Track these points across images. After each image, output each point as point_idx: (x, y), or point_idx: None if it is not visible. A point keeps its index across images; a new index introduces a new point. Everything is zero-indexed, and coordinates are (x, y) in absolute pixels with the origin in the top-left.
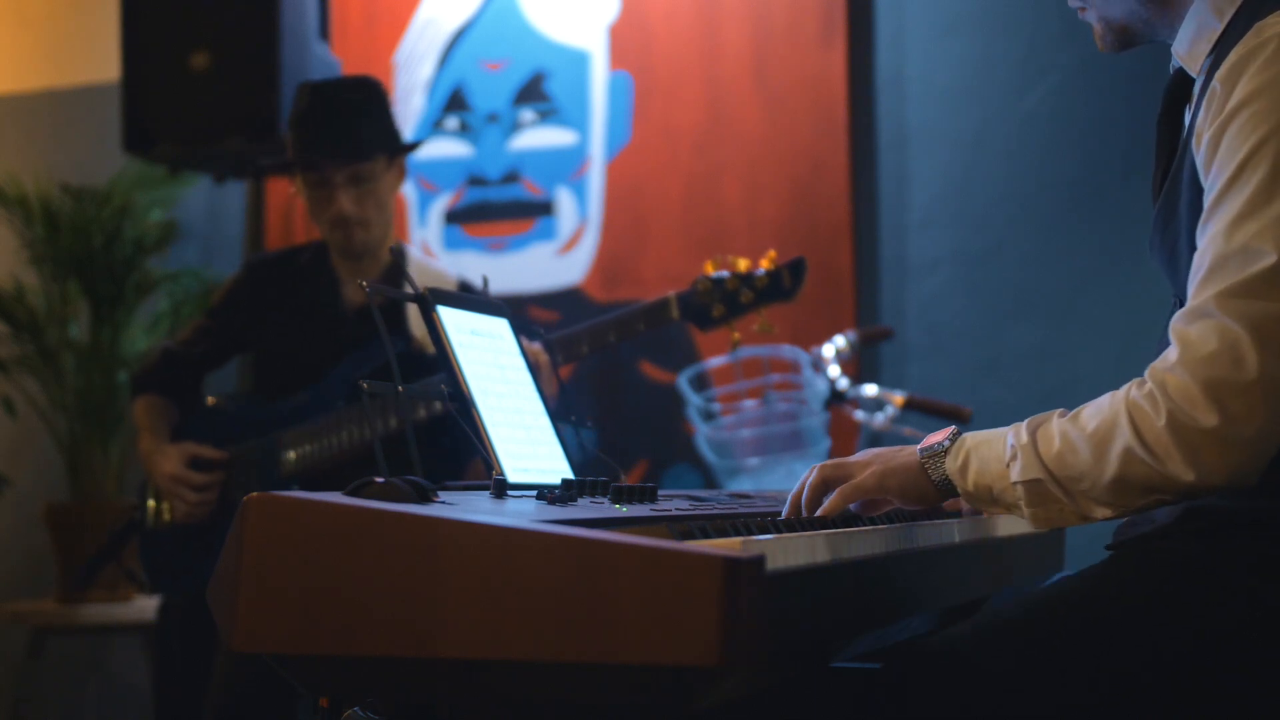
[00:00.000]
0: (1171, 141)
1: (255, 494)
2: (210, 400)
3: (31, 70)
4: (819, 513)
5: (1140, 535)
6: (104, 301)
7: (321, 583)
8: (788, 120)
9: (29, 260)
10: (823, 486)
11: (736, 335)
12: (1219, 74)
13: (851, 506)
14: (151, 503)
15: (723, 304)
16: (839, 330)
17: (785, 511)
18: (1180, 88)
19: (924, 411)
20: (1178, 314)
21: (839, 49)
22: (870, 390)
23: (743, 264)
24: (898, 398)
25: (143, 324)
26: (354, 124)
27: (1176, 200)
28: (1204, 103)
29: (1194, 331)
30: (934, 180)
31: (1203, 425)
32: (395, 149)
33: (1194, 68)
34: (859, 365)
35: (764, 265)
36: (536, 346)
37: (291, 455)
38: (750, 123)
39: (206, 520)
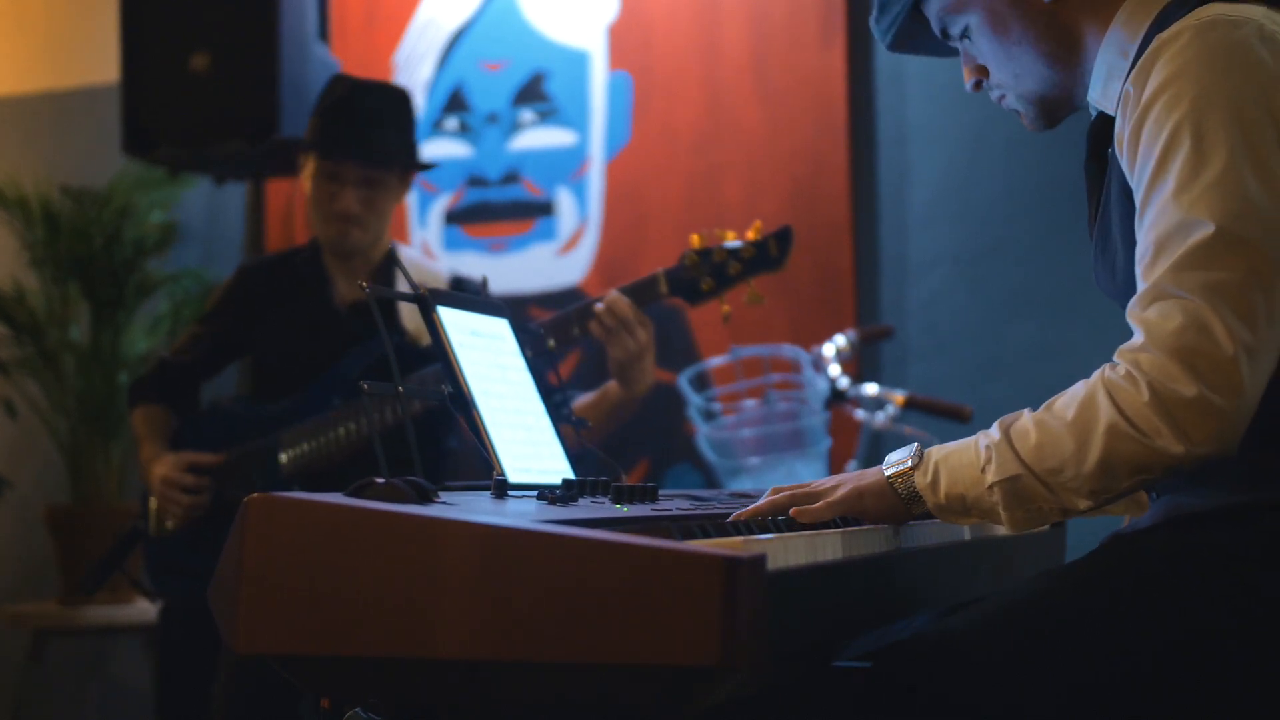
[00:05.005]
0: (1099, 180)
1: (255, 495)
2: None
3: (31, 72)
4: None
5: (1121, 535)
6: (104, 303)
7: (322, 583)
8: (787, 120)
9: (29, 262)
10: (790, 504)
11: (726, 308)
12: (1130, 78)
13: None
14: (154, 509)
15: (711, 277)
16: (839, 329)
17: (737, 515)
18: (1102, 130)
19: (925, 410)
20: (1132, 301)
21: (838, 48)
22: (871, 389)
23: (729, 236)
24: (898, 397)
25: (143, 326)
26: (381, 130)
27: (1109, 223)
28: (1119, 109)
29: (1153, 313)
30: (934, 179)
31: (1186, 396)
32: (411, 165)
33: (1110, 107)
34: (859, 364)
35: (750, 236)
36: (618, 297)
37: (290, 454)
38: (750, 122)
39: (211, 522)
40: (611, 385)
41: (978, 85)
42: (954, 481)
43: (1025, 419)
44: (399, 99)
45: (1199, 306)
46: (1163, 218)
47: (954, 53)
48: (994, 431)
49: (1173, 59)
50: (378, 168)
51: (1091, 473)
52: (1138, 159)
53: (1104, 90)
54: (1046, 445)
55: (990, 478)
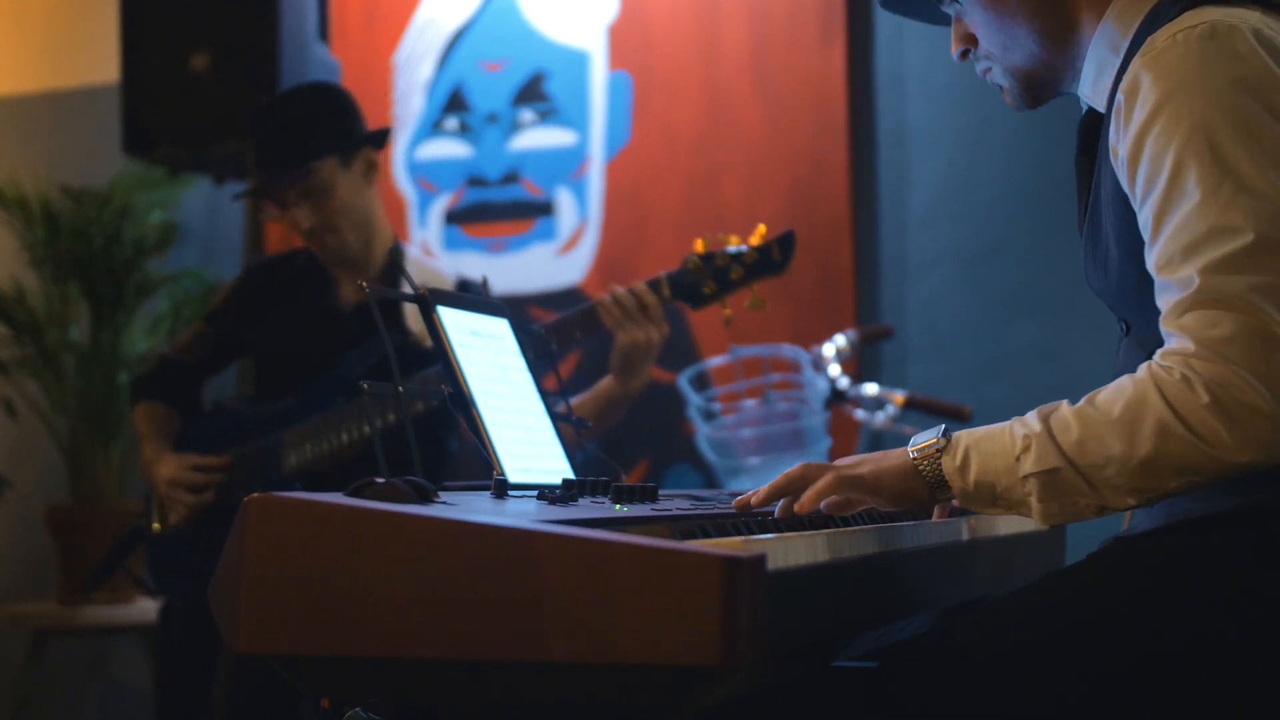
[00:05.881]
0: (1090, 176)
1: (256, 494)
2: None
3: (31, 72)
4: (803, 501)
5: (1121, 537)
6: (104, 303)
7: (322, 583)
8: (787, 120)
9: (29, 262)
10: (801, 481)
11: (728, 311)
12: (1122, 87)
13: (821, 505)
14: (156, 510)
15: (714, 281)
16: (839, 329)
17: (755, 499)
18: (1093, 126)
19: (925, 410)
20: (1164, 309)
21: (838, 48)
22: (871, 389)
23: (733, 240)
24: (898, 397)
25: (143, 325)
26: (289, 139)
27: (1100, 221)
28: (1111, 117)
29: (1193, 320)
30: (934, 179)
31: (1253, 405)
32: (340, 149)
33: (1100, 104)
34: (859, 364)
35: (753, 241)
36: (647, 289)
37: (292, 454)
38: (750, 122)
39: (213, 521)
40: (605, 383)
41: (964, 55)
42: (985, 469)
43: (1066, 411)
44: (306, 99)
45: (1251, 313)
46: (1188, 227)
47: (942, 19)
48: (1033, 421)
49: (1170, 70)
50: (306, 176)
51: (1137, 470)
52: (1140, 177)
53: (1094, 86)
54: (1090, 440)
55: (1027, 468)
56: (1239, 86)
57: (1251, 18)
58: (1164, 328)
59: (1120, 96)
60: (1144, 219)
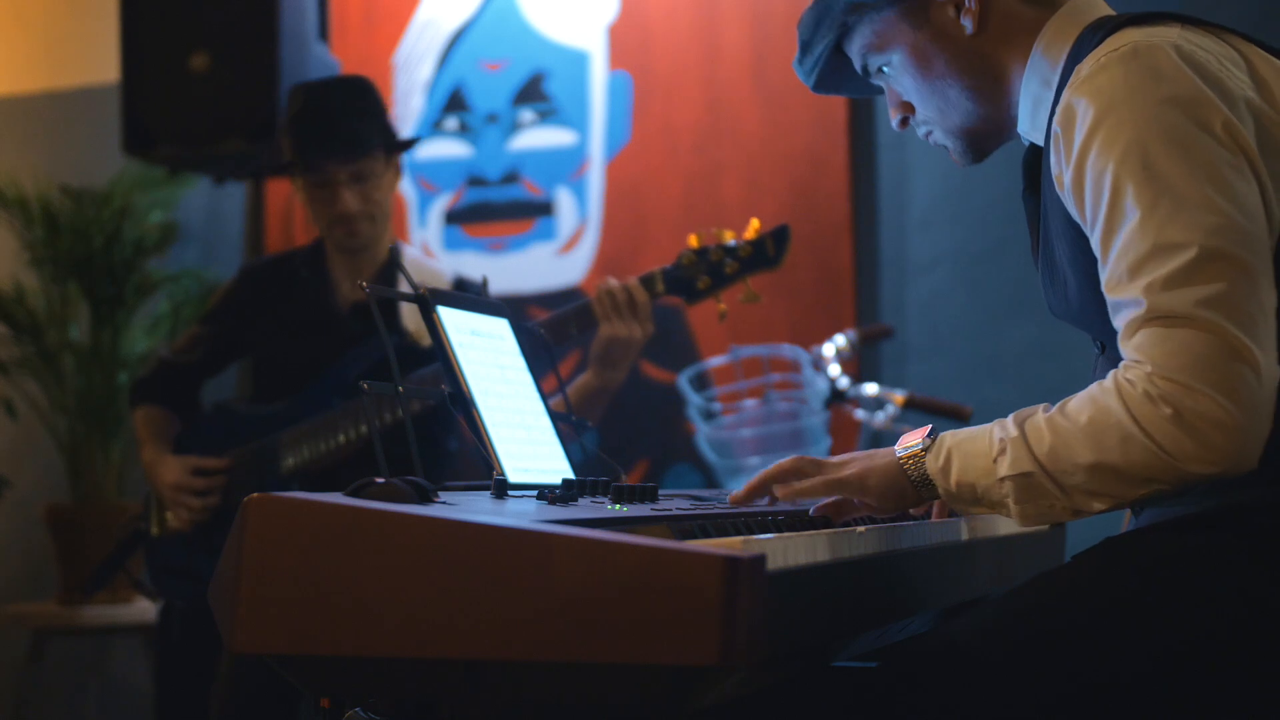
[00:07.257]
0: (1038, 211)
1: (255, 495)
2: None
3: (30, 72)
4: (786, 494)
5: (1113, 537)
6: (104, 303)
7: (322, 583)
8: (787, 120)
9: (29, 262)
10: (794, 473)
11: (722, 306)
12: (1056, 119)
13: (812, 511)
14: (155, 512)
15: (708, 275)
16: (839, 329)
17: (735, 495)
18: (1036, 160)
19: (924, 410)
20: (1121, 329)
21: None
22: (870, 389)
23: (727, 235)
24: (898, 397)
25: (143, 325)
26: (352, 123)
27: (1054, 252)
28: (1050, 150)
29: (1148, 338)
30: (934, 179)
31: (1217, 419)
32: (393, 146)
33: (1040, 138)
34: (859, 364)
35: (748, 236)
36: (640, 285)
37: (290, 455)
38: (750, 122)
39: (212, 524)
40: (583, 377)
41: (904, 123)
42: (965, 469)
43: (1040, 417)
44: (360, 87)
45: (1203, 326)
46: (1132, 246)
47: (878, 91)
48: (1010, 425)
49: (1099, 93)
50: (362, 159)
51: (1103, 478)
52: (1087, 200)
53: (1032, 121)
54: (1060, 448)
55: (1003, 471)
56: (1166, 103)
57: (1171, 34)
58: (1121, 347)
59: (1056, 128)
60: (1094, 241)
